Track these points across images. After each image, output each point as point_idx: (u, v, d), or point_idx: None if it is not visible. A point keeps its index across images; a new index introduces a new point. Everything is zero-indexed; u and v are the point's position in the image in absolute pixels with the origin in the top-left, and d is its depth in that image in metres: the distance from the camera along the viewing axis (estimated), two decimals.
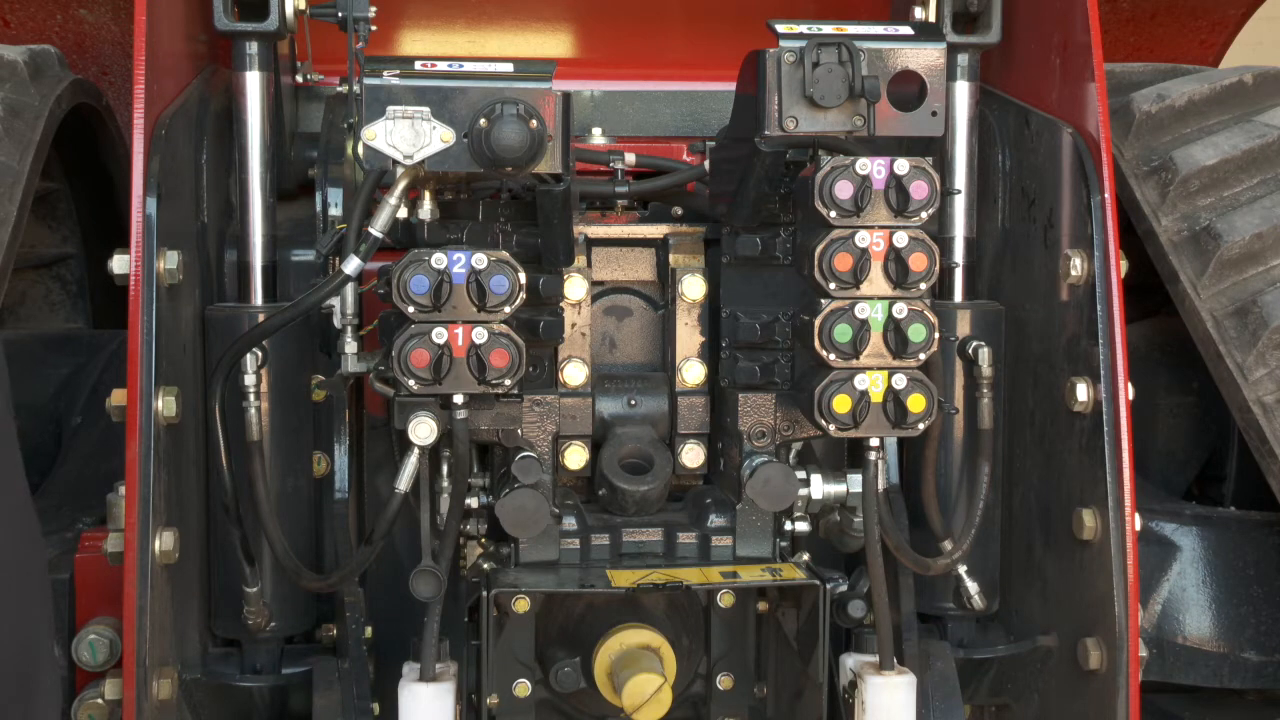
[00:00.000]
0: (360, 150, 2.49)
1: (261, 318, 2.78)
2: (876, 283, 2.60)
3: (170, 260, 2.63)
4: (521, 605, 2.78)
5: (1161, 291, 3.18)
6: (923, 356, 2.62)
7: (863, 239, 2.58)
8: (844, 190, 2.57)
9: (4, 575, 1.99)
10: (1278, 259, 3.04)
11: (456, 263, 2.54)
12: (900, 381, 2.61)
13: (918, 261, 2.58)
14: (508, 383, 2.57)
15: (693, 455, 2.95)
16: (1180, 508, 3.34)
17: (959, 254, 3.06)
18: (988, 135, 3.12)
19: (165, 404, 2.60)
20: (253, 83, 2.90)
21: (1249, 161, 3.13)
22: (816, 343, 2.60)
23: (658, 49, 3.79)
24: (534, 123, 2.47)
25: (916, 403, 2.61)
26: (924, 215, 2.60)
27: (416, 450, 2.60)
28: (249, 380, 2.72)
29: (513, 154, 2.46)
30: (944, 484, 2.99)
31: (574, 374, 2.93)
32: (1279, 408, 2.96)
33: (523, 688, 2.85)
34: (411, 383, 2.54)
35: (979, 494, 2.91)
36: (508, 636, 2.84)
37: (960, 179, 3.06)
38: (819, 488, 2.88)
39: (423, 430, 2.57)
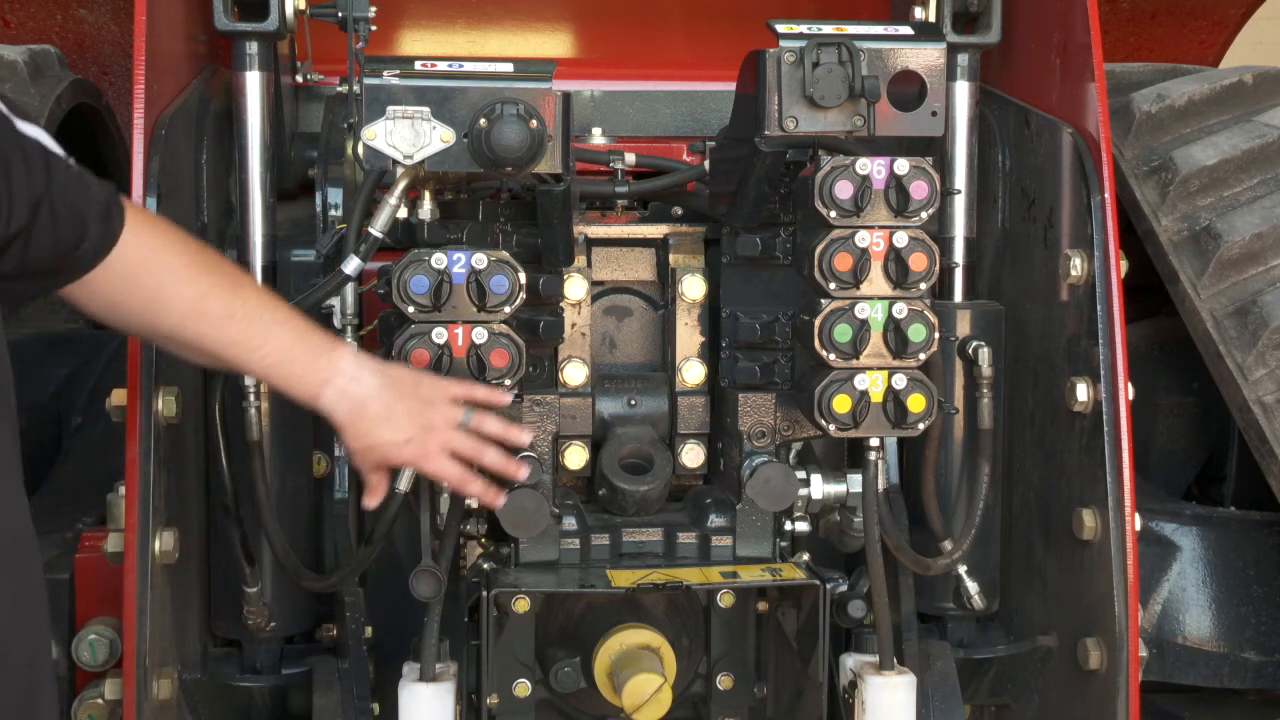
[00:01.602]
0: (360, 150, 2.49)
1: None
2: (876, 283, 2.60)
3: None
4: (521, 605, 2.78)
5: (1161, 291, 3.18)
6: (923, 356, 2.62)
7: (863, 239, 2.58)
8: (844, 190, 2.56)
9: (2, 577, 1.99)
10: (1278, 259, 3.04)
11: (456, 263, 2.54)
12: (900, 381, 2.61)
13: (918, 261, 2.58)
14: (508, 383, 2.57)
15: (693, 455, 2.95)
16: (1180, 508, 3.34)
17: (959, 254, 3.06)
18: (988, 135, 3.12)
19: (165, 404, 2.60)
20: (253, 83, 2.89)
21: (1249, 161, 3.13)
22: (816, 343, 2.60)
23: (658, 49, 3.79)
24: (534, 123, 2.46)
25: (916, 403, 2.61)
26: (924, 215, 2.60)
27: None
28: (249, 380, 2.72)
29: (513, 154, 2.46)
30: (944, 484, 2.99)
31: (574, 374, 2.93)
32: (1279, 408, 2.96)
33: (523, 688, 2.84)
34: None
35: (979, 494, 2.91)
36: (508, 636, 2.84)
37: (960, 179, 3.05)
38: (819, 488, 2.87)
39: None
